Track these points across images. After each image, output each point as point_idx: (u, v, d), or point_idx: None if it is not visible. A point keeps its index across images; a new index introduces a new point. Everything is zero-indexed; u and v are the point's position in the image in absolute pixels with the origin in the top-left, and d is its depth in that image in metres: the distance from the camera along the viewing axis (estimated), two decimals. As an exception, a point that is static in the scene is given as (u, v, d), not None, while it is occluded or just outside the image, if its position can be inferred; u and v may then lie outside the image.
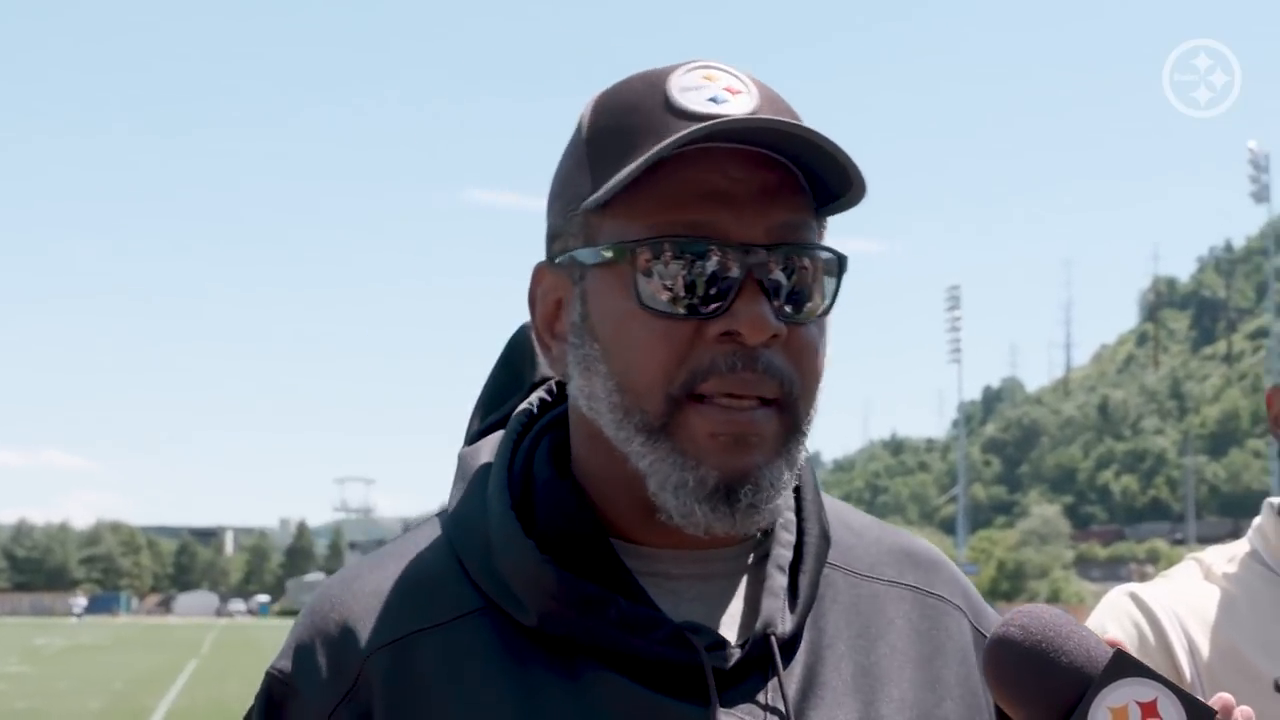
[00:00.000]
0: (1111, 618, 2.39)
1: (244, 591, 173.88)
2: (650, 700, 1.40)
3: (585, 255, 1.45)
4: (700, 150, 1.40)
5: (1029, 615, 1.29)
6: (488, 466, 1.56)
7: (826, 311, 1.46)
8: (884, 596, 1.58)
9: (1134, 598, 2.40)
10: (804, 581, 1.50)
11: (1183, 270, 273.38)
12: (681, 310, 1.40)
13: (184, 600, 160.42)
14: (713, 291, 1.39)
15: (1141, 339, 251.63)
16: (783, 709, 1.43)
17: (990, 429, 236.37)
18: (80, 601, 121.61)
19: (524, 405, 1.61)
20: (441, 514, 1.58)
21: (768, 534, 1.53)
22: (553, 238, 1.51)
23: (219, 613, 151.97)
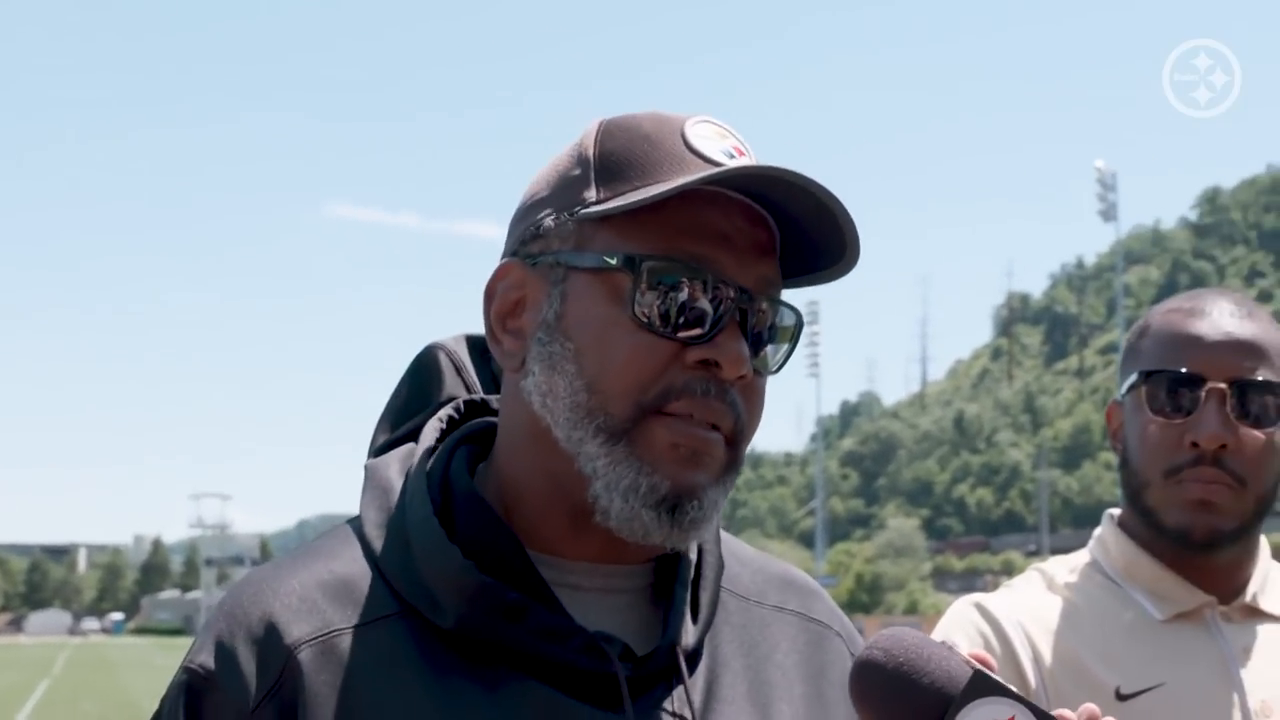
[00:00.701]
0: (957, 628, 2.41)
1: (98, 609, 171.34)
2: (566, 705, 1.45)
3: (576, 259, 1.51)
4: (710, 194, 1.48)
5: (891, 639, 1.33)
6: (401, 474, 1.59)
7: (779, 368, 1.57)
8: (771, 620, 1.66)
9: (979, 608, 2.42)
10: (704, 599, 1.59)
11: (1036, 286, 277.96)
12: (668, 330, 1.47)
13: (36, 619, 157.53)
14: (703, 321, 1.47)
15: (996, 354, 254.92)
16: (689, 716, 1.51)
17: (848, 443, 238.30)
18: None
19: (435, 420, 1.64)
20: (353, 521, 1.59)
21: (668, 556, 1.59)
22: (532, 238, 1.55)
23: (72, 631, 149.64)
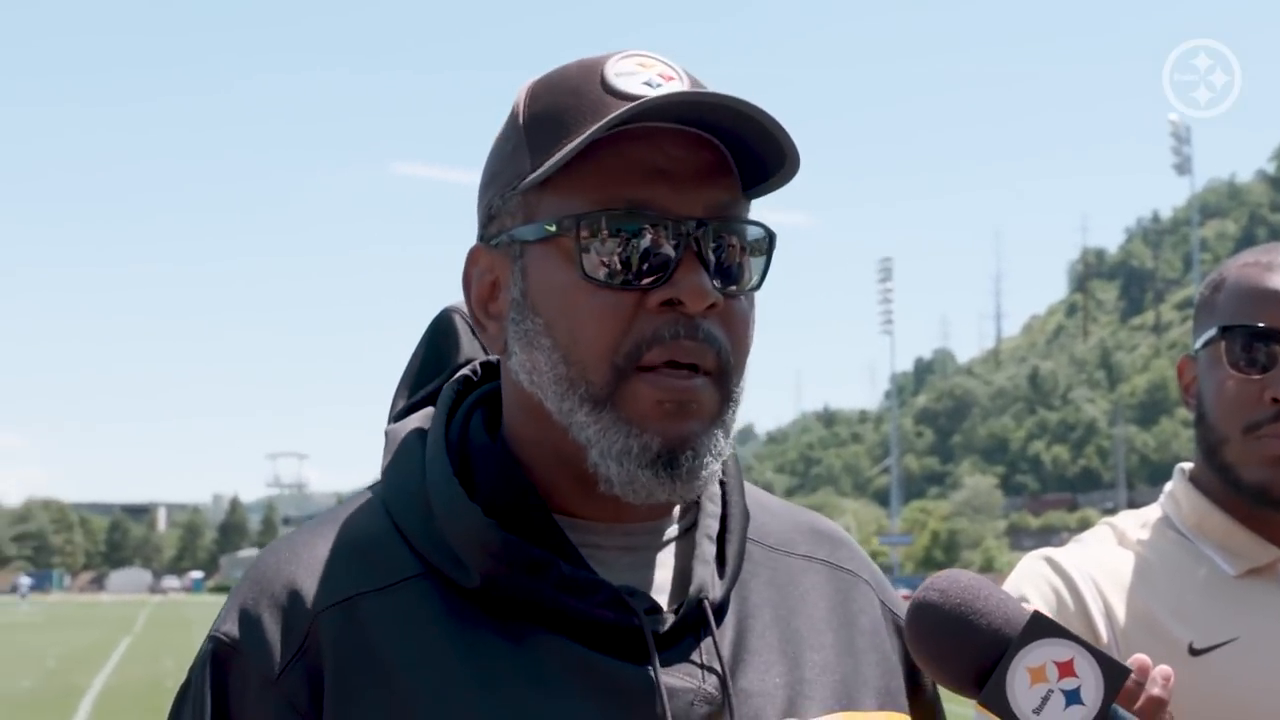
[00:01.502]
0: (1029, 582, 2.38)
1: (177, 568, 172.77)
2: (592, 659, 1.44)
3: (525, 232, 1.50)
4: (640, 130, 1.45)
5: (947, 579, 1.32)
6: (420, 437, 1.59)
7: (757, 286, 1.53)
8: (799, 569, 1.65)
9: (1050, 562, 2.39)
10: (731, 551, 1.57)
11: (1111, 241, 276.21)
12: (624, 281, 1.45)
13: (117, 577, 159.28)
14: (654, 263, 1.45)
15: (1071, 309, 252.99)
16: (718, 669, 1.48)
17: (922, 400, 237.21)
18: (25, 581, 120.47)
19: (453, 382, 1.64)
20: (374, 486, 1.60)
21: (690, 508, 1.60)
22: (489, 219, 1.55)
23: (152, 590, 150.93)
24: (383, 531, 1.52)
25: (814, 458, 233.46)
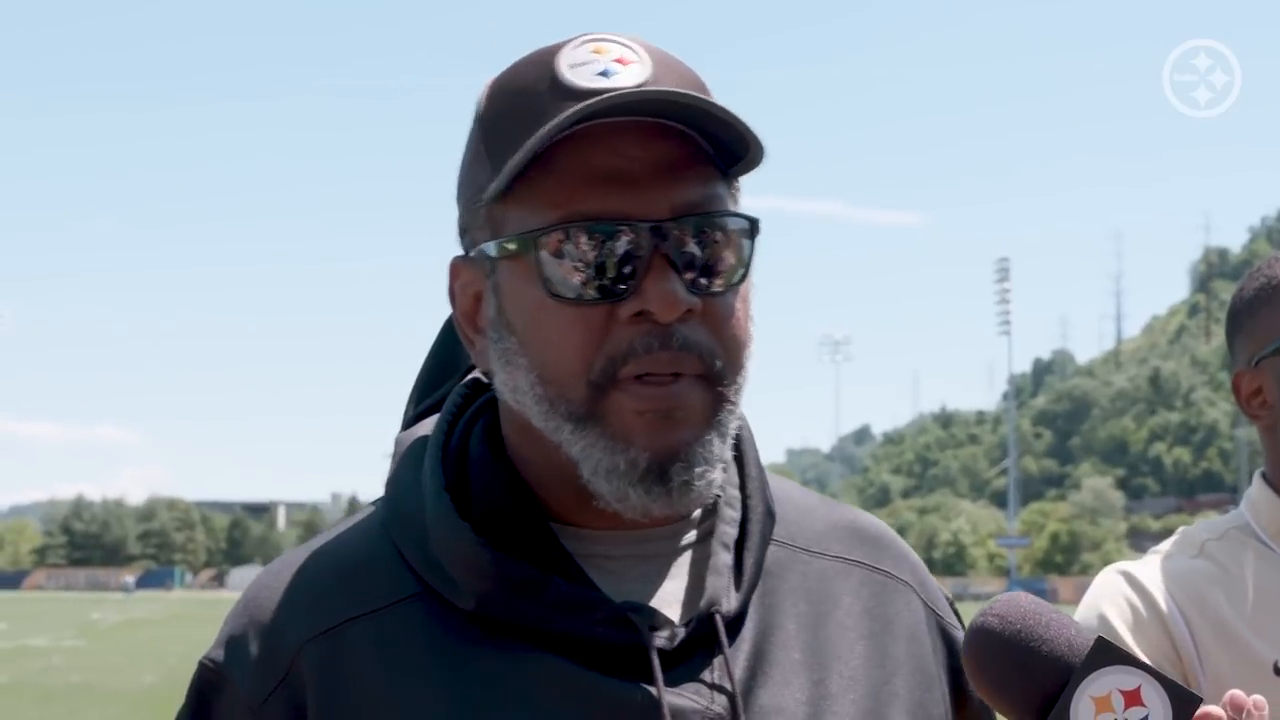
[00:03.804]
0: (1106, 598, 2.31)
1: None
2: (592, 681, 1.37)
3: (491, 248, 1.43)
4: (596, 128, 1.37)
5: (1007, 604, 1.28)
6: (423, 447, 1.53)
7: (743, 279, 1.44)
8: (831, 572, 1.56)
9: (1127, 576, 2.32)
10: (749, 559, 1.49)
11: (1234, 240, 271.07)
12: (591, 295, 1.37)
13: (237, 575, 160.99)
14: (621, 273, 1.37)
15: (1193, 310, 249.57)
16: (729, 687, 1.41)
17: (1041, 401, 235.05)
18: (129, 579, 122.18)
19: (457, 389, 1.59)
20: (379, 499, 1.56)
21: (710, 512, 1.51)
22: (462, 231, 1.49)
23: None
24: (379, 551, 1.47)
25: (931, 459, 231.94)
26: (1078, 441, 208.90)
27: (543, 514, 1.45)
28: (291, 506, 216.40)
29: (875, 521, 1.66)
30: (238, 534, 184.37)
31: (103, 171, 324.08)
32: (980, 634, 1.26)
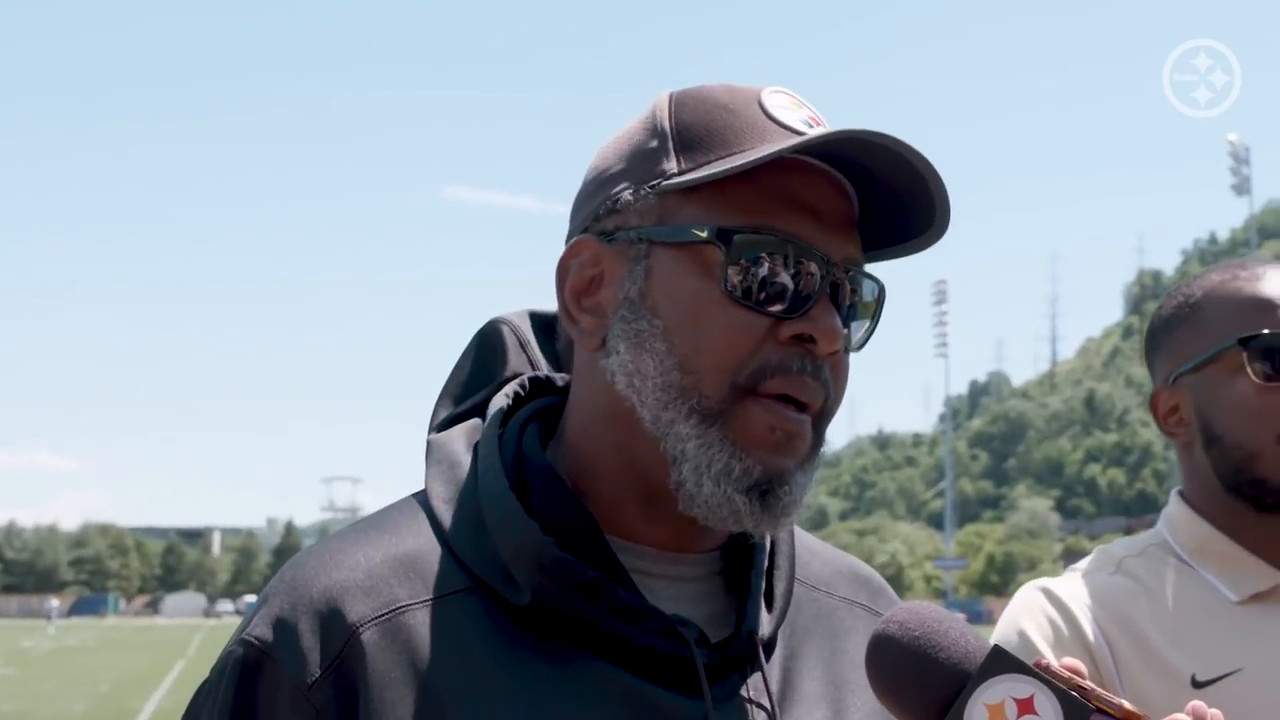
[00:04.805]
0: (1025, 614, 2.33)
1: (231, 592, 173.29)
2: (642, 689, 1.41)
3: (659, 233, 1.45)
4: (795, 163, 1.43)
5: (908, 612, 1.29)
6: (469, 450, 1.55)
7: (863, 345, 1.53)
8: (843, 612, 1.65)
9: (1046, 592, 2.34)
10: (779, 588, 1.55)
11: (1168, 263, 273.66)
12: (763, 305, 1.42)
13: (171, 601, 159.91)
14: (796, 295, 1.42)
15: (1127, 332, 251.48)
16: (768, 705, 1.47)
17: (977, 423, 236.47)
18: (53, 604, 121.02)
19: (501, 396, 1.61)
20: (418, 495, 1.56)
21: (737, 545, 1.57)
22: (607, 214, 1.50)
23: (206, 613, 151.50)
24: (429, 543, 1.48)
25: (868, 481, 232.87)
26: (1014, 463, 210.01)
27: (594, 523, 1.47)
28: (226, 532, 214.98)
29: (871, 570, 1.75)
30: (172, 560, 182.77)
31: (38, 191, 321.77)
32: (880, 641, 1.28)
